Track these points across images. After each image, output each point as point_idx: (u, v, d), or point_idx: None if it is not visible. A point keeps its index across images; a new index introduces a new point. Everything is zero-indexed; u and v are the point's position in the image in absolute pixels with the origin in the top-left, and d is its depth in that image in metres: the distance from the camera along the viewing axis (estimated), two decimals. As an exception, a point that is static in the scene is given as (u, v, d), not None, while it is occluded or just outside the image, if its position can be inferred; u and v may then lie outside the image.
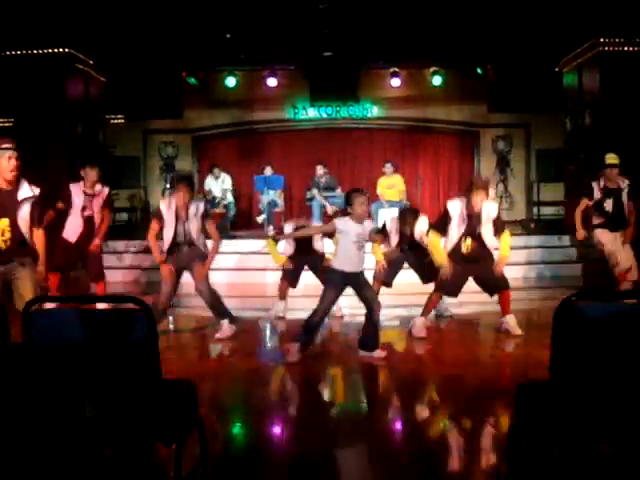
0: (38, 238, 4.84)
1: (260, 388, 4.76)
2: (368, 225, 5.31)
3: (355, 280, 5.27)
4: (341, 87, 13.84)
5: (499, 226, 5.98)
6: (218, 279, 9.42)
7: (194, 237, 6.15)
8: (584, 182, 7.71)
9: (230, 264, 10.10)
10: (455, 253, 6.00)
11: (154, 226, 6.15)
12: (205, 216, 6.17)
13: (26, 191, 4.75)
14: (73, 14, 8.81)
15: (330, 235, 6.37)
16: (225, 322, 6.23)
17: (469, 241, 5.96)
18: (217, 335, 6.22)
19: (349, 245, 5.17)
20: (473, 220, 5.90)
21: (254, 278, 9.88)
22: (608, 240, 7.07)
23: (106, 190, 7.20)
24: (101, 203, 7.16)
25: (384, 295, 8.14)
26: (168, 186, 13.47)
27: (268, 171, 12.24)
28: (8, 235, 4.64)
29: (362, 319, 5.49)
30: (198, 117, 14.51)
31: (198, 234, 6.18)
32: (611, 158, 7.10)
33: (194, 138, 14.55)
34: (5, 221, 4.64)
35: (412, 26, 10.15)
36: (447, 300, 6.77)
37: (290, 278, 7.17)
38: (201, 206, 6.20)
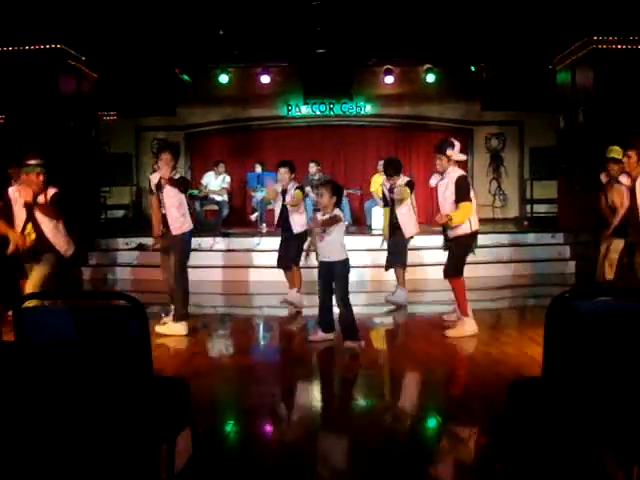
0: None
1: (253, 386, 4.75)
2: None
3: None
4: (334, 84, 13.76)
5: None
6: (210, 276, 9.42)
7: None
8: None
9: (223, 262, 10.08)
10: None
11: None
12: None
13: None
14: (65, 10, 8.75)
15: None
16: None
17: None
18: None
19: (343, 234, 5.62)
20: None
21: (246, 276, 9.85)
22: None
23: None
24: None
25: (384, 293, 8.15)
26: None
27: (258, 169, 12.24)
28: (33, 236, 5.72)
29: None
30: (191, 114, 14.45)
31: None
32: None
33: (187, 135, 14.47)
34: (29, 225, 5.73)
35: (406, 23, 10.14)
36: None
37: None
38: None
